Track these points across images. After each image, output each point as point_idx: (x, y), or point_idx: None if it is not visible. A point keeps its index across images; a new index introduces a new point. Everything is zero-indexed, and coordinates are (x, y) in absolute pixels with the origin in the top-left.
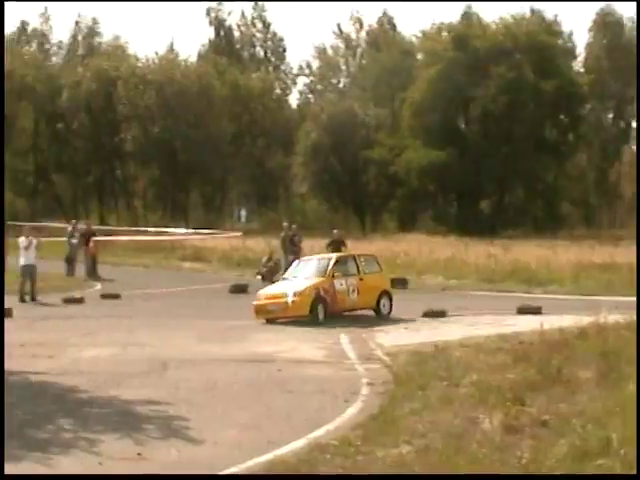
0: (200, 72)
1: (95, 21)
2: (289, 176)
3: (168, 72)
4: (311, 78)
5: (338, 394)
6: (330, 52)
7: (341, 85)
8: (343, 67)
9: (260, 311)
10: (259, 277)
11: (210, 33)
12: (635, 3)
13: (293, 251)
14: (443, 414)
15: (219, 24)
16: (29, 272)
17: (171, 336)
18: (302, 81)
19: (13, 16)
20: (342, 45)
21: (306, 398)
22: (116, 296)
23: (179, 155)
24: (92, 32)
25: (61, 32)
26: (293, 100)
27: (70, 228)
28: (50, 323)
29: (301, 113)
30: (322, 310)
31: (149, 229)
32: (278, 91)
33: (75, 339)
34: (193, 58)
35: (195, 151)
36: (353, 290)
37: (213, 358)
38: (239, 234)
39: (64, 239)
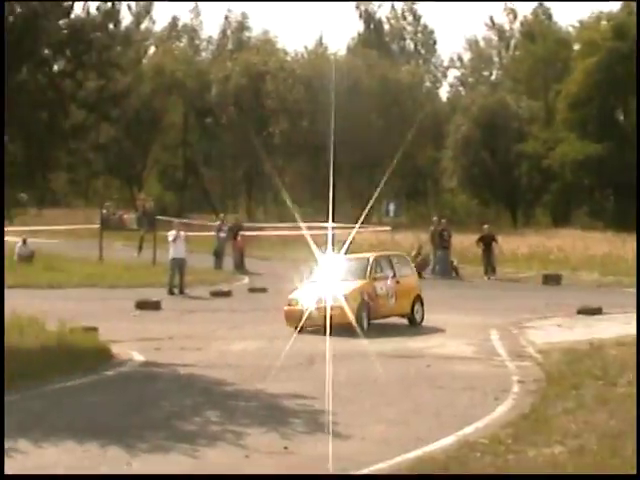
0: (349, 66)
1: (244, 16)
2: (438, 170)
3: (317, 66)
4: (462, 70)
5: (488, 391)
6: (482, 44)
7: (493, 77)
8: (495, 59)
9: (292, 317)
10: None
11: (359, 26)
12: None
13: (442, 246)
14: (598, 414)
15: (369, 17)
16: (178, 265)
17: None
18: (453, 74)
19: (164, 13)
20: (494, 37)
21: (455, 394)
22: (263, 290)
23: (327, 149)
24: (241, 27)
25: (211, 27)
26: (443, 93)
27: (218, 222)
28: (198, 316)
29: (451, 106)
30: (366, 317)
31: (299, 224)
32: (428, 84)
33: (222, 332)
34: (342, 52)
35: (343, 145)
36: (391, 295)
37: (360, 352)
38: (388, 228)
39: (212, 234)
